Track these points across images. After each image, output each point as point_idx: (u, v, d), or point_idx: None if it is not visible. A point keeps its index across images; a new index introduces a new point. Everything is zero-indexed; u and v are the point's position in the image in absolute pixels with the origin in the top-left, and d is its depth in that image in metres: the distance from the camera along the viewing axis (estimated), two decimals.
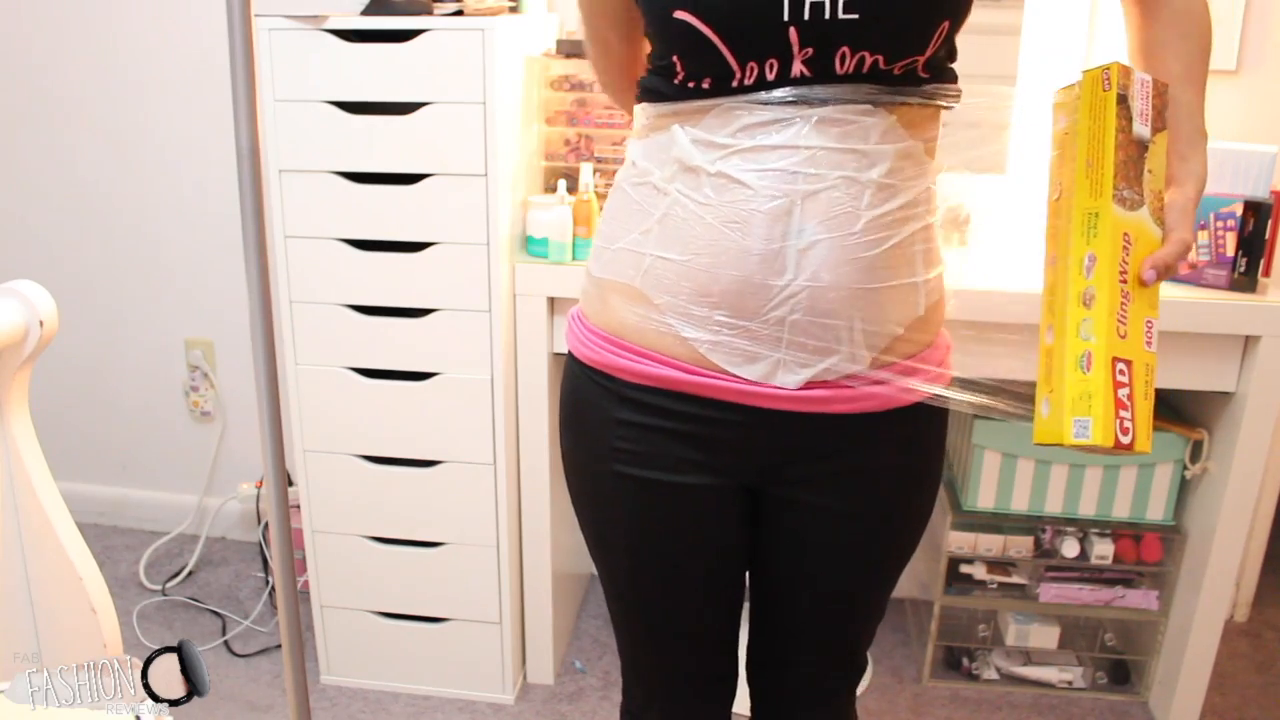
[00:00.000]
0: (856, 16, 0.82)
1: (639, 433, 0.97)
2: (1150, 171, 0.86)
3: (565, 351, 1.81)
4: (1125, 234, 0.84)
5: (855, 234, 0.87)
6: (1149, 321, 0.85)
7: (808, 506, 1.00)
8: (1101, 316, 0.83)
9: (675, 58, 0.88)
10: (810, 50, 0.84)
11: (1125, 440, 0.82)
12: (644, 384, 0.95)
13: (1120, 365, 0.83)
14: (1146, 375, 0.84)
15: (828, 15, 0.82)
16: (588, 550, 1.12)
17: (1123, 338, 0.83)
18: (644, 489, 0.99)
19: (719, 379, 0.92)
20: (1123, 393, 0.83)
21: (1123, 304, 0.84)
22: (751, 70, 0.85)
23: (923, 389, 0.95)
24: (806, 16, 0.82)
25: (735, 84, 0.86)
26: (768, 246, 0.87)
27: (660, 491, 0.99)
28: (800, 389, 0.91)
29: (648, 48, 0.98)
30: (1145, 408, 0.83)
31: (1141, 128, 0.86)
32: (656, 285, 0.92)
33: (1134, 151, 0.85)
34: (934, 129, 0.92)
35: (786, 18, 0.82)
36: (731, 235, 0.87)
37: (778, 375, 0.91)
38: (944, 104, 0.91)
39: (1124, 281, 0.84)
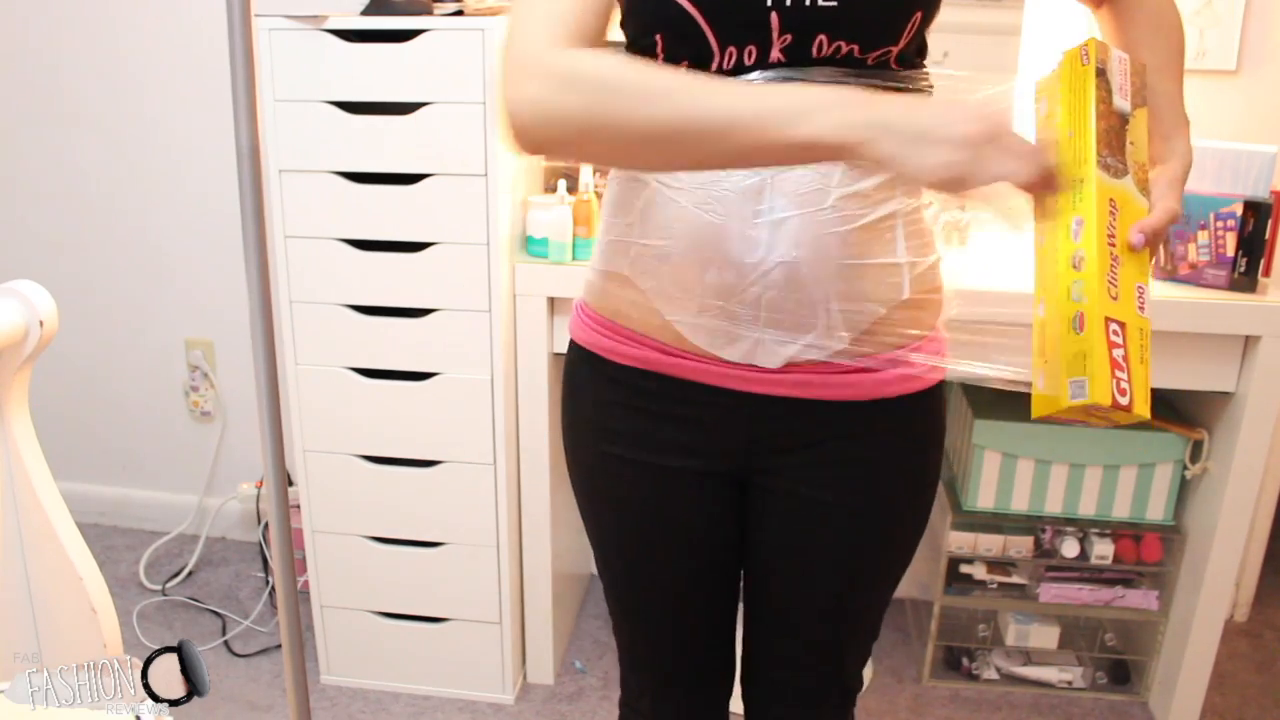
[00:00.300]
0: (835, 4, 0.83)
1: (626, 413, 0.99)
2: (1133, 144, 0.87)
3: (565, 351, 1.82)
4: (1111, 199, 0.84)
5: (825, 210, 0.88)
6: (1140, 286, 0.84)
7: (791, 495, 1.00)
8: (1092, 277, 0.82)
9: (658, 36, 0.88)
10: (789, 37, 0.85)
11: (1123, 401, 0.80)
12: (630, 365, 0.97)
13: (1114, 326, 0.81)
14: (1141, 340, 0.83)
15: (808, 2, 0.83)
16: (588, 538, 1.12)
17: (1114, 299, 0.82)
18: (631, 469, 1.01)
19: (701, 362, 0.94)
20: (1117, 353, 0.81)
21: (1112, 266, 0.82)
22: (730, 55, 0.86)
23: (914, 360, 0.95)
24: (788, 2, 0.83)
25: (713, 68, 0.87)
26: (741, 225, 0.88)
27: (646, 472, 1.00)
28: (780, 371, 0.92)
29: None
30: (1142, 373, 0.82)
31: (1121, 101, 0.86)
32: (643, 272, 0.94)
33: (1115, 122, 0.86)
34: None
35: (769, 2, 0.83)
36: (706, 217, 0.89)
37: (758, 355, 0.92)
38: (914, 91, 0.92)
39: (1113, 245, 0.83)
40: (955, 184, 0.74)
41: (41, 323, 1.17)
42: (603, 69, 0.77)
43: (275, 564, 1.21)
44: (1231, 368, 1.70)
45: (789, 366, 0.92)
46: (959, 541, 1.93)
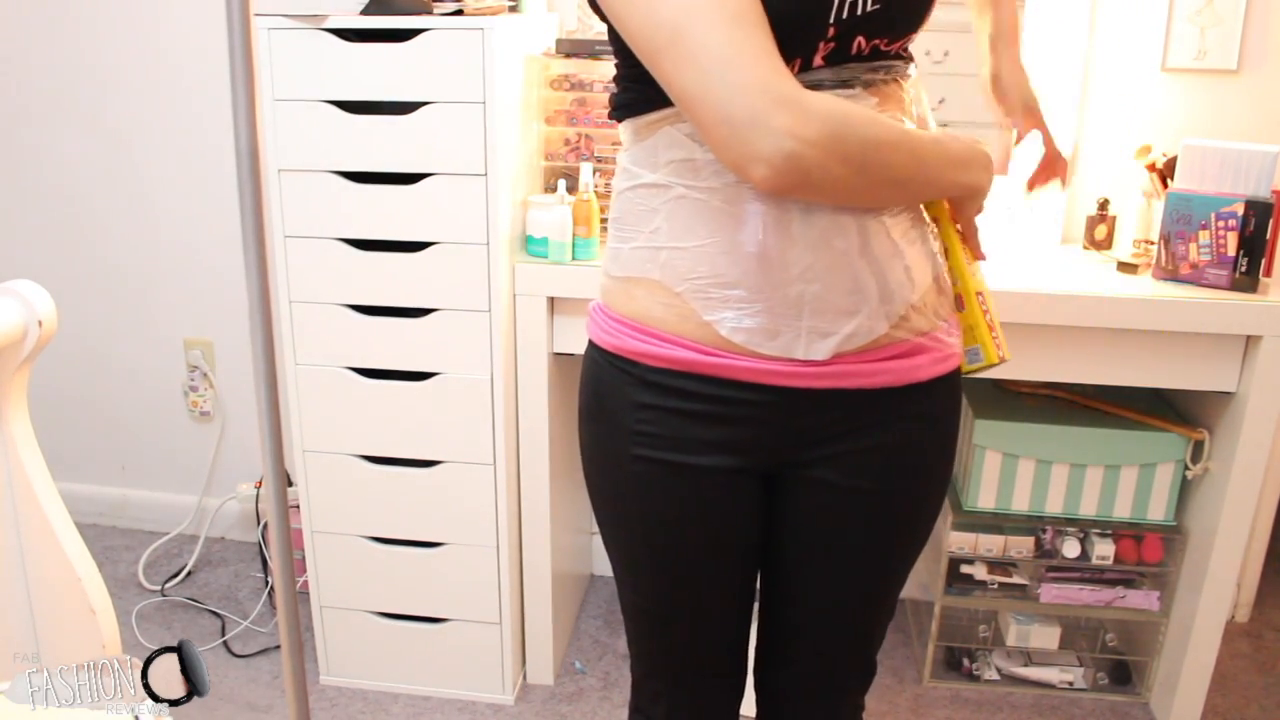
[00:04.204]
0: (879, 8, 0.86)
1: (659, 415, 0.98)
2: None
3: (565, 351, 1.82)
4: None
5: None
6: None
7: (826, 486, 1.01)
8: (955, 263, 1.02)
9: None
10: (834, 44, 0.86)
11: (1001, 354, 1.04)
12: (665, 367, 0.96)
13: (980, 296, 1.03)
14: (989, 301, 1.04)
15: (859, 11, 0.85)
16: (602, 542, 1.12)
17: (972, 275, 1.03)
18: (663, 471, 1.00)
19: (738, 359, 0.93)
20: (988, 318, 1.03)
21: (963, 247, 1.02)
22: None
23: (933, 343, 0.98)
24: (845, 14, 0.85)
25: None
26: (778, 219, 0.89)
27: (679, 474, 1.00)
28: (821, 362, 0.93)
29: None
30: (998, 326, 1.05)
31: None
32: (675, 275, 0.93)
33: None
34: (906, 103, 0.96)
35: (832, 18, 0.85)
36: (738, 214, 0.90)
37: (799, 349, 0.92)
38: (907, 76, 0.96)
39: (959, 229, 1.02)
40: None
41: (40, 323, 1.17)
42: (866, 118, 0.83)
43: (274, 564, 1.21)
44: (1233, 368, 1.70)
45: (831, 358, 0.93)
46: (959, 541, 1.93)
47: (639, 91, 0.93)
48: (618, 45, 0.93)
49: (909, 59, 0.95)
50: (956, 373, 1.03)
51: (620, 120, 0.98)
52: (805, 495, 1.02)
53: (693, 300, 0.93)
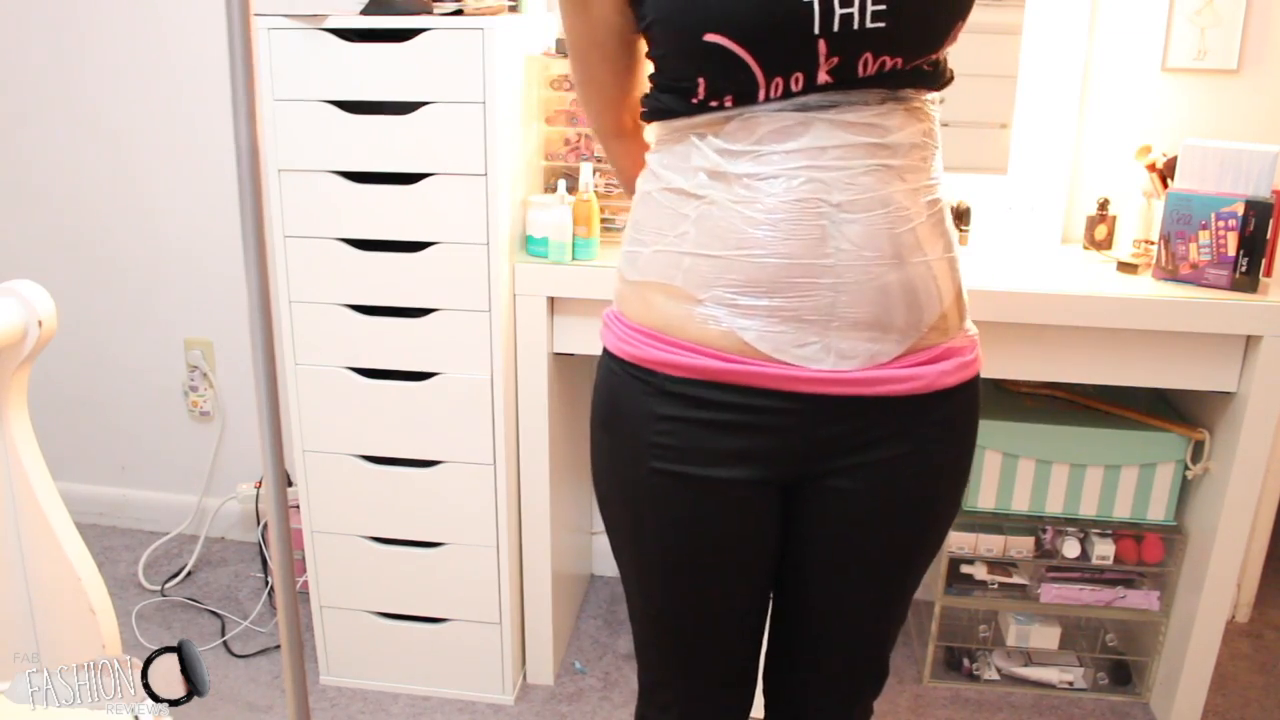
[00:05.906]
0: (884, 25, 0.84)
1: (680, 427, 0.97)
2: None
3: (565, 351, 1.82)
4: None
5: (888, 212, 0.89)
6: None
7: (846, 494, 1.00)
8: None
9: (701, 79, 0.88)
10: (836, 59, 0.86)
11: None
12: (687, 376, 0.95)
13: None
14: None
15: (856, 25, 0.84)
16: (610, 548, 1.11)
17: None
18: (682, 485, 0.99)
19: (764, 366, 0.93)
20: None
21: None
22: (777, 85, 0.87)
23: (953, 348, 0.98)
24: (836, 28, 0.84)
25: (760, 98, 0.88)
26: (809, 232, 0.89)
27: (698, 487, 0.99)
28: (840, 371, 0.92)
29: (644, 74, 1.00)
30: None
31: None
32: (699, 282, 0.93)
33: None
34: (934, 115, 0.96)
35: (817, 31, 0.84)
36: (768, 226, 0.89)
37: (828, 360, 0.92)
38: (940, 93, 0.95)
39: None
40: None
41: (40, 323, 1.16)
42: None
43: (274, 564, 1.21)
44: (1233, 368, 1.70)
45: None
46: (960, 541, 1.93)
47: (669, 99, 0.94)
48: (649, 52, 0.94)
49: (935, 81, 0.93)
50: (978, 378, 1.03)
51: (650, 122, 0.98)
52: (825, 505, 1.02)
53: (717, 307, 0.92)
